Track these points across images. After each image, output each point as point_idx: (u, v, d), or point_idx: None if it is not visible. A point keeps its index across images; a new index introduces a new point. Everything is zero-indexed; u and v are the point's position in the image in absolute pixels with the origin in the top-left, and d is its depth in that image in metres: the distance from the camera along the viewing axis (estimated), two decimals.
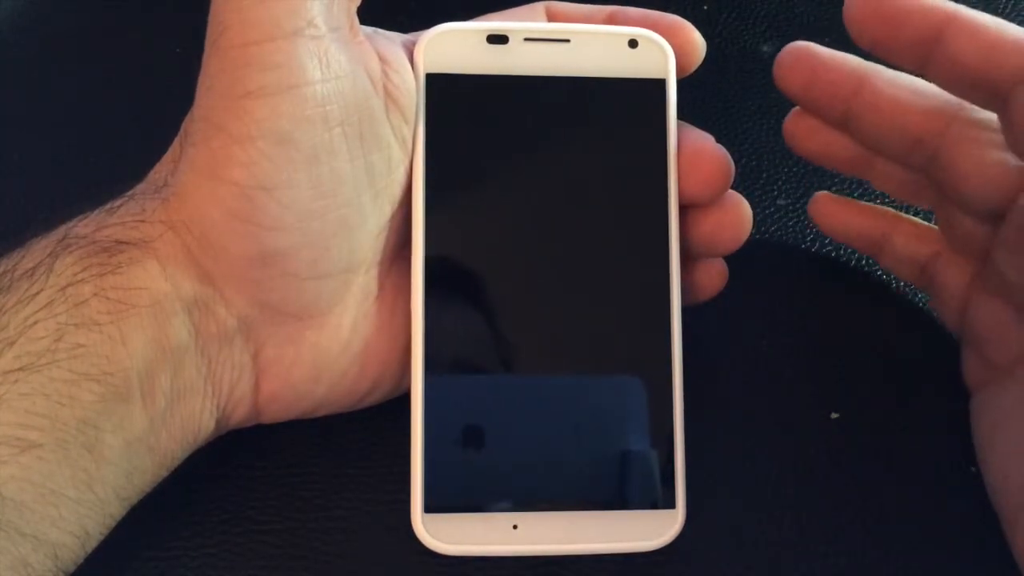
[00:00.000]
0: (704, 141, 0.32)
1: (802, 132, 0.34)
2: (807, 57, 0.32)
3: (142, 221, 0.28)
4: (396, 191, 0.30)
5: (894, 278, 0.38)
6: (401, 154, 0.30)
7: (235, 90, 0.27)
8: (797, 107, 0.34)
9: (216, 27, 0.28)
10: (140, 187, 0.30)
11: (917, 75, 0.31)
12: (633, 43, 0.32)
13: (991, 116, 0.30)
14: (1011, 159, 0.29)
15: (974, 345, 0.33)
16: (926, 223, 0.35)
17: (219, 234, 0.28)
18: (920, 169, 0.32)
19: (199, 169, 0.28)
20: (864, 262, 0.38)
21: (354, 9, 0.29)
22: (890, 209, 0.36)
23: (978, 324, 0.33)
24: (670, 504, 0.30)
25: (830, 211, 0.36)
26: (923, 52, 0.29)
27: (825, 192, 0.37)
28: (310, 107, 0.27)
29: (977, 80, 0.28)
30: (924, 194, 0.34)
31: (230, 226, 0.28)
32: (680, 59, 0.32)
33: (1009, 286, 0.30)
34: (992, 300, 0.32)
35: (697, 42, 0.32)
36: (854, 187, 0.40)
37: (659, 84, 0.32)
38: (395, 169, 0.30)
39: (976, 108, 0.30)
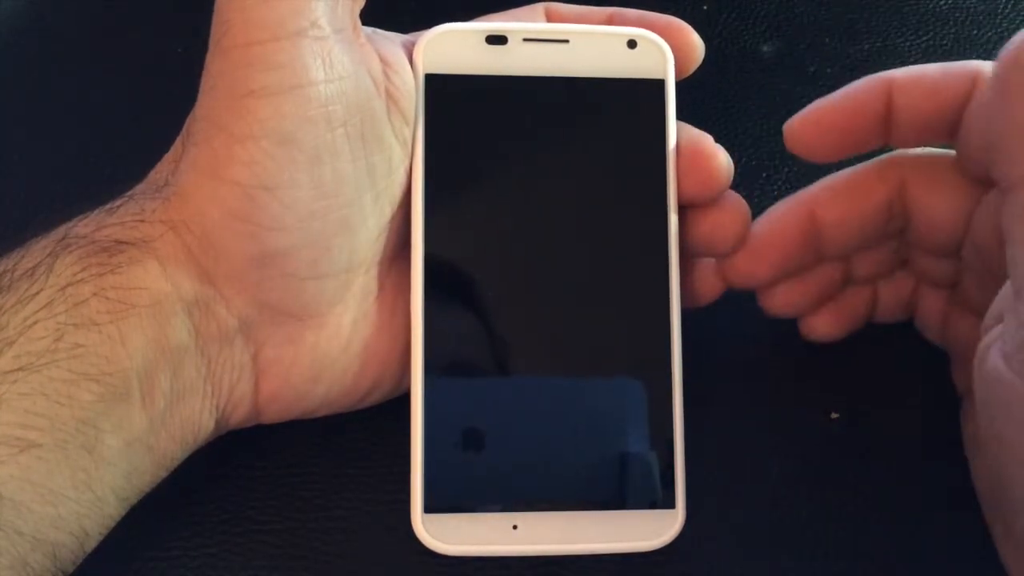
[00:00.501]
0: (703, 141, 0.32)
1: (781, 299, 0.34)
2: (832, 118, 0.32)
3: (142, 221, 0.28)
4: (396, 192, 0.30)
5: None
6: (402, 155, 0.30)
7: (238, 89, 0.27)
8: None
9: (220, 27, 0.28)
10: (140, 187, 0.30)
11: None
12: (632, 43, 0.32)
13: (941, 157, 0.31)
14: (959, 195, 0.30)
15: (956, 357, 0.34)
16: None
17: (220, 234, 0.28)
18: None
19: (201, 168, 0.28)
20: None
21: (357, 10, 0.29)
22: None
23: (957, 340, 0.33)
24: (670, 504, 0.30)
25: None
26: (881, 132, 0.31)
27: None
28: (313, 107, 0.27)
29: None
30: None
31: (231, 226, 0.28)
32: (679, 60, 0.32)
33: (979, 305, 0.30)
34: (967, 317, 0.32)
35: (696, 43, 0.33)
36: None
37: (658, 84, 0.32)
38: (395, 170, 0.30)
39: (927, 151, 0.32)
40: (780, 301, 0.34)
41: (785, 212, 0.32)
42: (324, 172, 0.28)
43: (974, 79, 0.29)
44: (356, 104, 0.28)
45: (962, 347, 0.33)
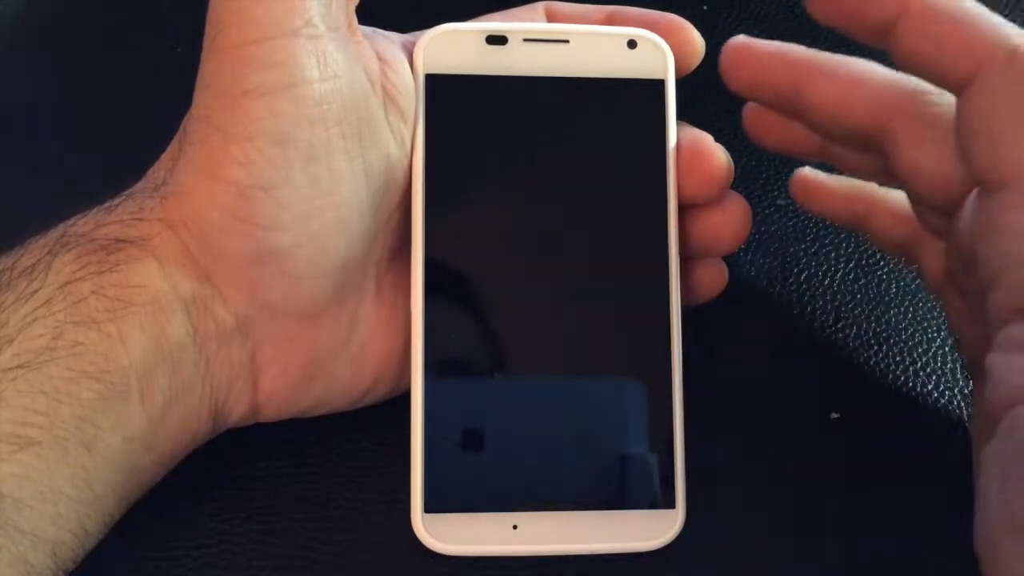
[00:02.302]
0: (703, 141, 0.32)
1: (759, 125, 0.34)
2: (747, 55, 0.31)
3: (140, 219, 0.28)
4: (395, 191, 0.30)
5: (894, 277, 0.38)
6: (400, 154, 0.30)
7: (233, 89, 0.27)
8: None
9: (214, 27, 0.28)
10: (139, 185, 0.30)
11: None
12: (632, 43, 0.32)
13: (938, 110, 0.28)
14: (955, 158, 0.27)
15: (950, 310, 0.32)
16: (904, 204, 0.32)
17: (217, 233, 0.28)
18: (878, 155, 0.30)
19: (197, 168, 0.28)
20: (864, 262, 0.38)
21: (352, 8, 0.29)
22: (870, 187, 0.34)
23: (950, 318, 0.32)
24: (670, 504, 0.30)
25: (809, 191, 0.35)
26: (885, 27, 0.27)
27: (806, 169, 0.35)
28: (308, 106, 0.27)
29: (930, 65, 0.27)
30: (892, 176, 0.31)
31: (228, 225, 0.28)
32: (679, 59, 0.32)
33: (961, 283, 0.29)
34: (956, 297, 0.30)
35: (696, 42, 0.32)
36: None
37: (658, 84, 0.32)
38: (393, 169, 0.30)
39: (926, 99, 0.28)
40: (761, 130, 0.33)
41: (783, 60, 0.30)
42: (320, 171, 0.28)
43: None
44: (352, 103, 0.28)
45: (953, 327, 0.32)
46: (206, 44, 0.28)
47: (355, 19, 0.29)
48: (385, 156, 0.30)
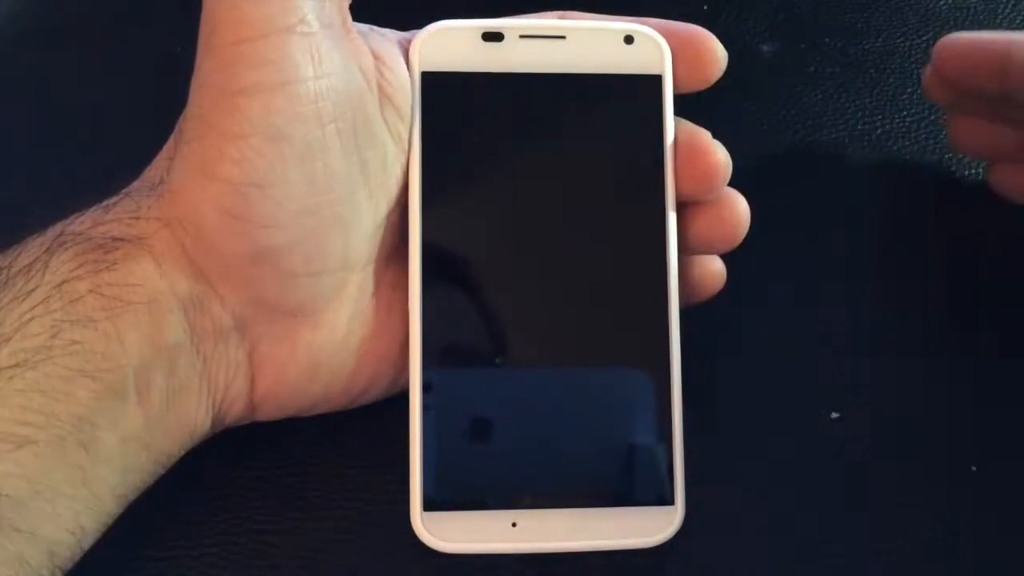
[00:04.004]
0: (701, 137, 0.32)
1: (966, 134, 0.37)
2: (954, 48, 0.35)
3: (137, 218, 0.28)
4: (392, 188, 0.30)
5: (895, 277, 0.37)
6: (396, 151, 0.30)
7: (228, 87, 0.27)
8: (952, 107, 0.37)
9: (208, 24, 0.28)
10: (136, 184, 0.30)
11: None
12: (629, 39, 0.32)
13: None
14: None
15: None
16: None
17: (213, 231, 0.28)
18: None
19: (192, 166, 0.28)
20: (864, 262, 0.38)
21: (346, 6, 0.29)
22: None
23: None
24: (669, 501, 0.30)
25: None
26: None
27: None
28: (303, 104, 0.27)
29: None
30: None
31: (224, 223, 0.28)
32: (702, 69, 0.32)
33: None
34: None
35: (719, 52, 0.32)
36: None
37: (655, 80, 0.32)
38: (390, 166, 0.30)
39: None
40: (963, 134, 0.37)
41: (984, 39, 0.34)
42: (316, 168, 0.28)
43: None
44: (347, 100, 0.28)
45: None
46: (201, 42, 0.28)
47: (349, 16, 0.29)
48: (382, 153, 0.30)
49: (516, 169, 0.31)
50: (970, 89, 0.35)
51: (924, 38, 0.43)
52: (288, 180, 0.28)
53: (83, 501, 0.26)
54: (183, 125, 0.29)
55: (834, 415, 0.34)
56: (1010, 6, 0.45)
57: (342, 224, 0.29)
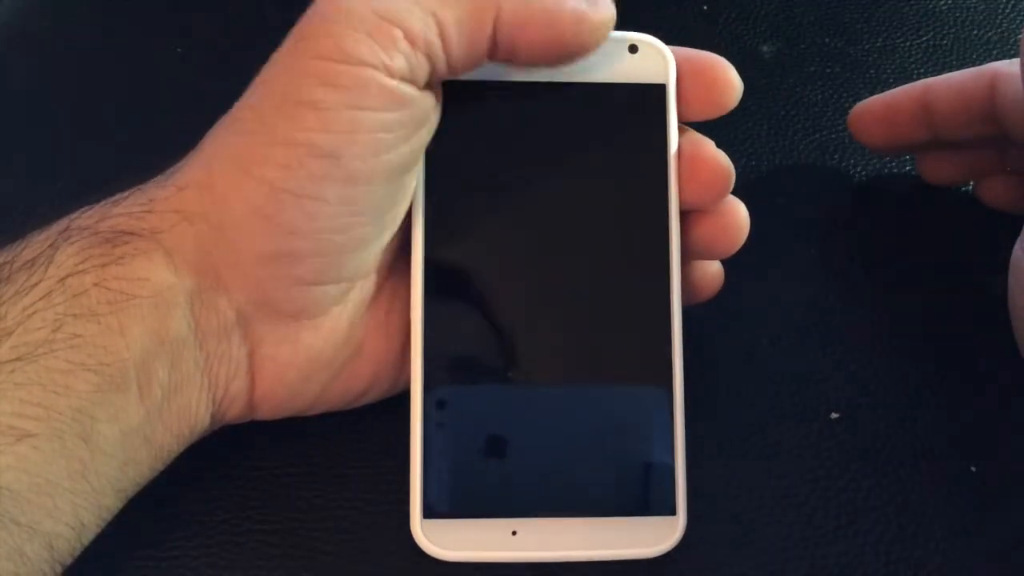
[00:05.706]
0: (704, 146, 0.32)
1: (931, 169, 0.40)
2: (871, 114, 0.38)
3: (150, 211, 0.28)
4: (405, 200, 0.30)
5: (895, 275, 0.37)
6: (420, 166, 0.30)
7: (293, 95, 0.27)
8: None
9: (299, 32, 0.28)
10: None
11: None
12: (633, 48, 0.32)
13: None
14: None
15: None
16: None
17: (237, 227, 0.28)
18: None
19: (231, 160, 0.28)
20: (864, 262, 0.38)
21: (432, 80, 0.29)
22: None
23: None
24: (671, 511, 0.30)
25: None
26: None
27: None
28: (363, 132, 0.27)
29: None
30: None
31: (250, 221, 0.28)
32: (717, 96, 0.31)
33: None
34: None
35: (734, 79, 0.32)
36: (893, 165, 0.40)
37: (659, 89, 0.31)
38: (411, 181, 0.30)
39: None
40: (929, 168, 0.40)
41: (900, 92, 0.37)
42: (357, 193, 0.28)
43: (993, 77, 0.35)
44: (406, 135, 0.28)
45: None
46: (285, 44, 0.28)
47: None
48: (415, 175, 0.30)
49: (519, 178, 0.31)
50: (904, 143, 0.38)
51: (924, 38, 0.44)
52: (325, 197, 0.27)
53: (83, 495, 0.26)
54: (237, 114, 0.29)
55: (834, 415, 0.34)
56: (1010, 6, 0.45)
57: (364, 243, 0.29)
